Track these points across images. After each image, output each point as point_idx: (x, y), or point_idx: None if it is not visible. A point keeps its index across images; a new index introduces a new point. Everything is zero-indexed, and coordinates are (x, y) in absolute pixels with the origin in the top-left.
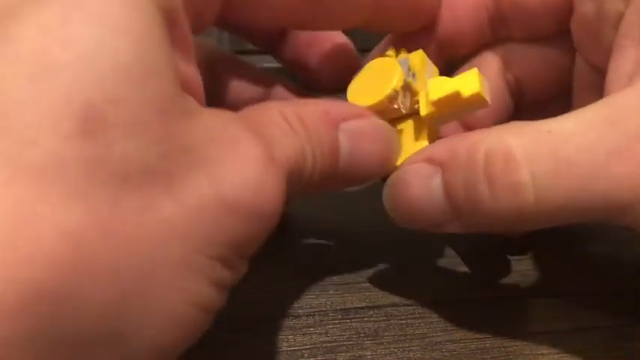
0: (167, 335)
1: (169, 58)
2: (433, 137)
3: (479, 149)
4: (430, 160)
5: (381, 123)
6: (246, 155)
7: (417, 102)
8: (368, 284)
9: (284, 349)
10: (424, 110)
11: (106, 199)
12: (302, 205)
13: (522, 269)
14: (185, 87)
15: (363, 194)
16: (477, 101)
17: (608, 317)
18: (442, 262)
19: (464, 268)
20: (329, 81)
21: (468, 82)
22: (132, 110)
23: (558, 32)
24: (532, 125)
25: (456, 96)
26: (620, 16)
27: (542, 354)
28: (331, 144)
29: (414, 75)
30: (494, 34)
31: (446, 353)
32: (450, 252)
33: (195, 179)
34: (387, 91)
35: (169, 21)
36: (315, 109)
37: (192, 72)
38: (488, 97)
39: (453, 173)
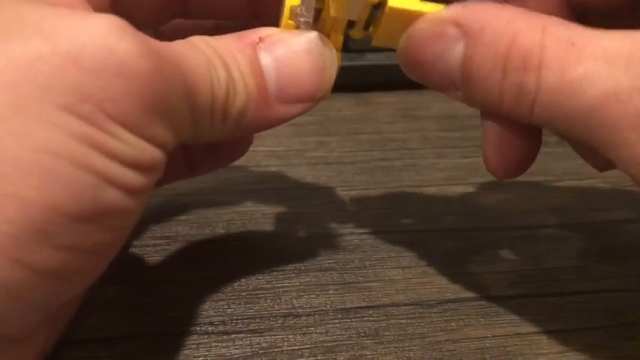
0: (20, 183)
1: None
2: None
3: (507, 37)
4: (458, 25)
5: (304, 34)
6: (97, 21)
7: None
8: (368, 284)
9: (284, 348)
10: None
11: None
12: (302, 205)
13: (522, 269)
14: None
15: (361, 194)
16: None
17: (608, 317)
18: (442, 262)
19: (464, 268)
20: None
21: None
22: None
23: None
24: (563, 29)
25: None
26: None
27: (542, 354)
28: (251, 63)
29: None
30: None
31: (446, 353)
32: (449, 252)
33: (26, 38)
34: (287, 10)
35: None
36: (228, 35)
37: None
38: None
39: (476, 49)
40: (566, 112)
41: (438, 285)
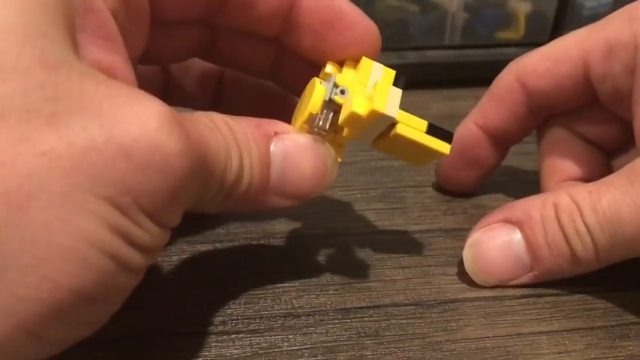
0: (58, 268)
1: (63, 30)
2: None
3: (549, 205)
4: (507, 221)
5: (316, 140)
6: (149, 111)
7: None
8: (368, 284)
9: (284, 348)
10: (344, 132)
11: None
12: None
13: None
14: (109, 74)
15: (361, 194)
16: (378, 117)
17: (608, 316)
18: (442, 262)
19: (464, 269)
20: None
21: (373, 97)
22: (11, 59)
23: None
24: (584, 186)
25: (353, 118)
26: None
27: (542, 354)
28: (261, 155)
29: (343, 91)
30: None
31: (446, 353)
32: (449, 252)
33: (84, 122)
34: (305, 115)
35: (80, 8)
36: (247, 120)
37: (116, 62)
38: (392, 109)
39: (532, 228)
40: (617, 232)
41: (438, 285)
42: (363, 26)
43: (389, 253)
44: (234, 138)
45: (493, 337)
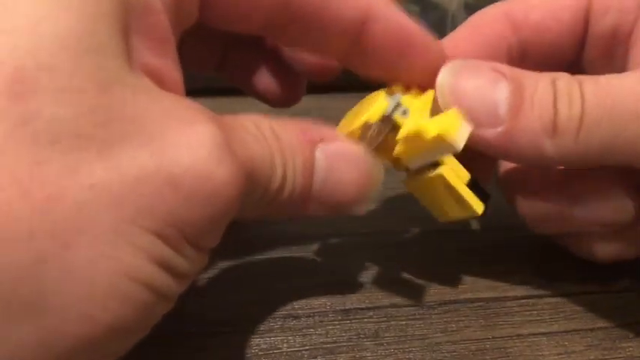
0: (99, 305)
1: (117, 38)
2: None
3: (548, 80)
4: (496, 70)
5: (362, 150)
6: (200, 137)
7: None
8: (368, 284)
9: (284, 349)
10: (397, 149)
11: (27, 159)
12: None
13: (523, 271)
14: (156, 79)
15: None
16: (441, 144)
17: (608, 317)
18: (442, 262)
19: (464, 269)
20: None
21: (442, 123)
22: (64, 78)
23: (568, 64)
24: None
25: (417, 136)
26: (633, 27)
27: (542, 355)
28: (305, 162)
29: (405, 112)
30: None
31: (446, 354)
32: (450, 252)
33: (135, 150)
34: (360, 122)
35: (137, 9)
36: (293, 125)
37: (166, 65)
38: (459, 141)
39: (522, 82)
40: (614, 111)
41: (438, 285)
42: (434, 53)
43: (389, 253)
44: (279, 145)
45: (493, 338)
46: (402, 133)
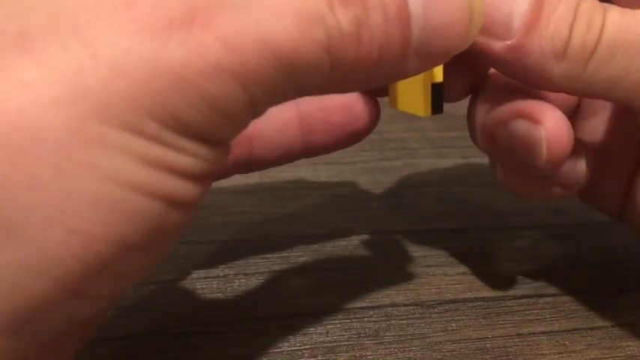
0: (85, 218)
1: None
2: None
3: (572, 2)
4: None
5: None
6: (132, 23)
7: None
8: (368, 284)
9: (284, 349)
10: None
11: None
12: (302, 205)
13: (523, 270)
14: None
15: (361, 194)
16: None
17: (608, 317)
18: (442, 262)
19: (464, 269)
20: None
21: None
22: None
23: None
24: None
25: None
26: None
27: (542, 354)
28: (399, 8)
29: None
30: None
31: (446, 353)
32: (449, 252)
33: (63, 41)
34: None
35: None
36: None
37: None
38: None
39: (542, 2)
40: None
41: (438, 285)
42: None
43: (389, 253)
44: None
45: (493, 337)
46: None
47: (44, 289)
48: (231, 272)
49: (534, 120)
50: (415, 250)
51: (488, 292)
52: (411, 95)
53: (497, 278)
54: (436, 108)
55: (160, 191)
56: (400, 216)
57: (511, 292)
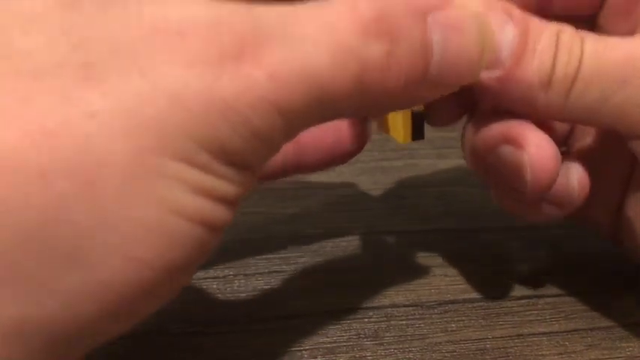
0: (145, 245)
1: None
2: None
3: (553, 31)
4: (508, 13)
5: (470, 12)
6: (189, 55)
7: None
8: (368, 285)
9: (284, 349)
10: None
11: (13, 97)
12: (302, 205)
13: (523, 271)
14: None
15: (361, 195)
16: None
17: (608, 317)
18: (442, 263)
19: (464, 269)
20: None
21: None
22: (26, 8)
23: (587, 16)
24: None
25: None
26: None
27: (542, 354)
28: (422, 38)
29: None
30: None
31: (446, 354)
32: (449, 252)
33: (123, 72)
34: None
35: None
36: None
37: None
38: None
39: (528, 27)
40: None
41: (438, 286)
42: None
43: (389, 254)
44: (381, 29)
45: (493, 338)
46: None
47: (91, 314)
48: (231, 272)
49: (517, 145)
50: (415, 250)
51: (488, 293)
52: (394, 121)
53: (497, 279)
54: (416, 135)
55: (202, 217)
56: (400, 216)
57: (511, 293)
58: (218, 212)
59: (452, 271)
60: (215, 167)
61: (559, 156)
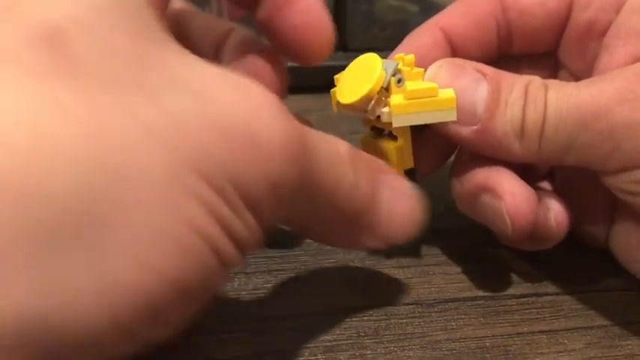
0: (160, 254)
1: (143, 7)
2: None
3: (523, 83)
4: (479, 71)
5: (411, 185)
6: (248, 93)
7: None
8: (368, 284)
9: (284, 348)
10: (396, 109)
11: (75, 94)
12: None
13: (522, 269)
14: None
15: None
16: (447, 106)
17: (607, 315)
18: (442, 262)
19: (464, 268)
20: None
21: (447, 91)
22: (97, 31)
23: (547, 52)
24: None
25: (431, 91)
26: (609, 26)
27: (542, 353)
28: (374, 185)
29: (400, 80)
30: (498, 50)
31: (446, 352)
32: (449, 251)
33: (178, 95)
34: (364, 92)
35: None
36: (364, 156)
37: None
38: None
39: (500, 84)
40: (575, 113)
41: (438, 284)
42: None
43: (389, 253)
44: (353, 155)
45: (493, 336)
46: (412, 86)
47: (99, 321)
48: (231, 272)
49: (494, 194)
50: (415, 250)
51: (488, 291)
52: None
53: (497, 277)
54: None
55: (217, 246)
56: None
57: (511, 291)
58: (228, 247)
59: (451, 270)
60: (236, 204)
61: (534, 199)
